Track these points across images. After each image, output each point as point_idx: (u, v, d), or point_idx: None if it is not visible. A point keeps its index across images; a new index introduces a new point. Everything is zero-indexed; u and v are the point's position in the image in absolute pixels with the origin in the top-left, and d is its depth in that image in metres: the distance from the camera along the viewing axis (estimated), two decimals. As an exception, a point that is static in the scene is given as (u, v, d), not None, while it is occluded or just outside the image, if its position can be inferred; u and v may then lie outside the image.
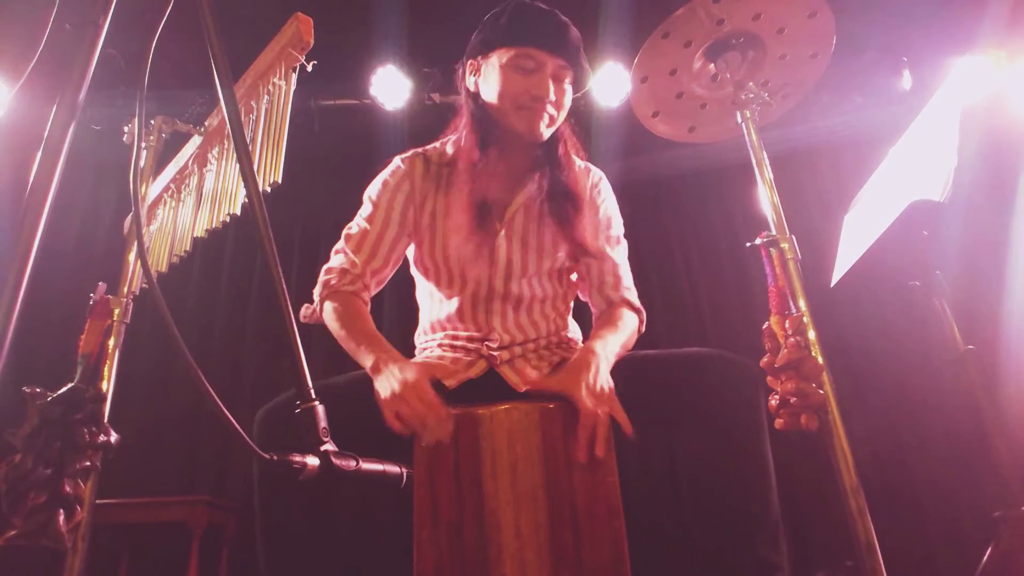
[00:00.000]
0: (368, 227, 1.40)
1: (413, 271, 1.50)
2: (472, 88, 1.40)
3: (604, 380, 1.16)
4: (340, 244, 1.42)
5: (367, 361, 1.21)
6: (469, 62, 1.41)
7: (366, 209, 1.43)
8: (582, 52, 1.37)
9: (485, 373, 1.30)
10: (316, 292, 1.39)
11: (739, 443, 1.16)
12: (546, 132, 1.36)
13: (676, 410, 1.22)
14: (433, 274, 1.42)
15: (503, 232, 1.38)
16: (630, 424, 1.10)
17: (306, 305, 1.39)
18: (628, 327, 1.38)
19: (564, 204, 1.38)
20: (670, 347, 1.33)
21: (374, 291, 1.41)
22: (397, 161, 1.45)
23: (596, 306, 1.47)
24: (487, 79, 1.36)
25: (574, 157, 1.46)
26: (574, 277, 1.50)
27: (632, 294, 1.47)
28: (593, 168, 1.53)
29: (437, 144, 1.48)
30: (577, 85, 1.40)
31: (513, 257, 1.37)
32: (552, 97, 1.32)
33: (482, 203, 1.35)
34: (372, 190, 1.45)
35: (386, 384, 1.12)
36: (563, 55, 1.33)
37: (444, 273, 1.40)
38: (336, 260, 1.40)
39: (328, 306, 1.34)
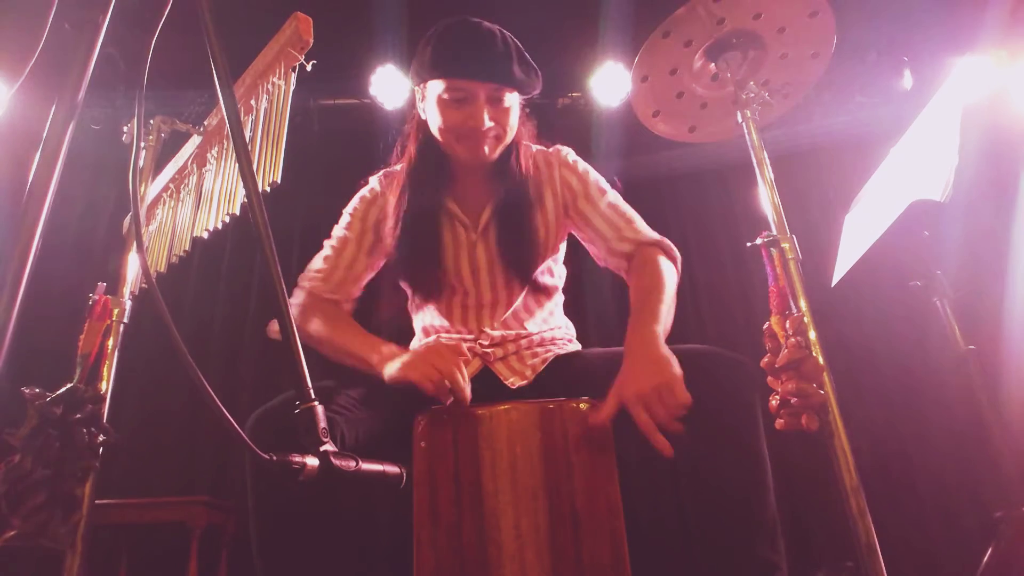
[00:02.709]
0: (347, 234, 1.44)
1: (402, 283, 1.51)
2: (423, 115, 1.40)
3: (668, 369, 1.09)
4: (313, 269, 1.44)
5: (372, 355, 1.20)
6: (415, 88, 1.42)
7: (342, 224, 1.47)
8: (515, 62, 1.30)
9: (480, 372, 1.31)
10: (293, 305, 1.39)
11: (735, 440, 1.15)
12: (496, 152, 1.36)
13: None
14: (418, 288, 1.45)
15: (480, 241, 1.40)
16: (686, 407, 1.06)
17: (272, 321, 1.39)
18: (664, 281, 1.29)
19: (519, 212, 1.39)
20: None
21: (354, 298, 1.44)
22: (372, 181, 1.50)
23: (619, 268, 1.41)
24: (429, 112, 1.37)
25: (532, 148, 1.46)
26: (558, 274, 1.51)
27: (641, 232, 1.40)
28: (558, 148, 1.50)
29: (403, 163, 1.49)
30: (524, 89, 1.35)
31: (494, 264, 1.39)
32: (490, 123, 1.30)
33: (455, 217, 1.39)
34: (350, 206, 1.49)
35: (407, 357, 1.13)
36: (493, 78, 1.29)
37: (432, 283, 1.43)
38: (315, 263, 1.44)
39: (313, 317, 1.34)
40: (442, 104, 1.31)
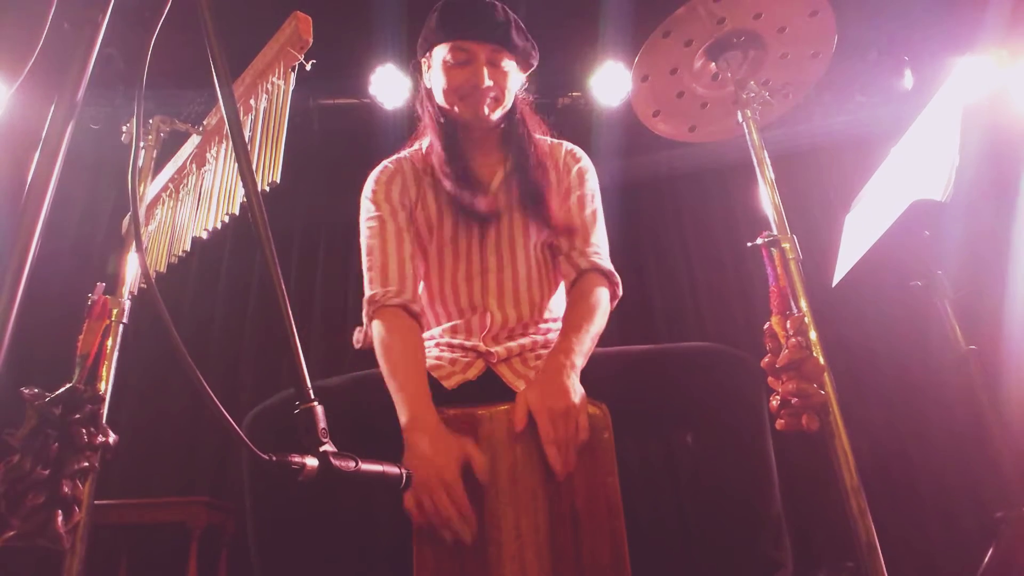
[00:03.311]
0: (382, 244, 1.38)
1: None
2: (428, 85, 1.49)
3: (572, 396, 1.11)
4: (366, 271, 1.39)
5: (402, 416, 1.14)
6: (422, 61, 1.51)
7: (368, 212, 1.43)
8: (514, 29, 1.41)
9: (483, 374, 1.30)
10: (364, 313, 1.36)
11: (740, 438, 1.15)
12: (494, 115, 1.43)
13: (676, 405, 1.21)
14: (427, 256, 1.44)
15: (490, 212, 1.42)
16: (565, 466, 1.07)
17: (358, 329, 1.40)
18: (598, 307, 1.34)
19: (531, 179, 1.42)
20: (671, 344, 1.32)
21: (420, 290, 1.41)
22: (384, 163, 1.52)
23: (565, 276, 1.43)
24: (433, 78, 1.46)
25: (538, 137, 1.50)
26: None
27: (601, 257, 1.42)
28: (566, 144, 1.57)
29: (414, 146, 1.54)
30: (522, 62, 1.46)
31: (501, 231, 1.42)
32: (489, 82, 1.38)
33: (465, 184, 1.40)
34: (368, 191, 1.48)
35: (416, 462, 1.05)
36: (492, 39, 1.39)
37: (437, 253, 1.43)
38: (371, 289, 1.37)
39: (376, 325, 1.30)
40: (446, 67, 1.41)
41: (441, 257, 1.43)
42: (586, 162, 1.54)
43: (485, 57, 1.39)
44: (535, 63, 1.50)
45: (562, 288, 1.50)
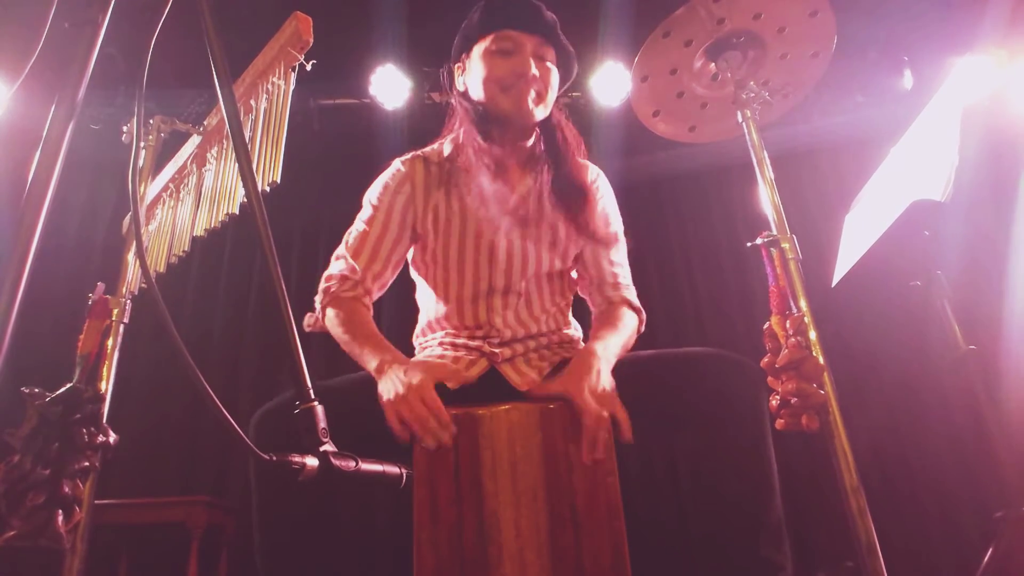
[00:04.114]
0: (368, 230, 1.39)
1: (412, 273, 1.49)
2: (462, 88, 1.44)
3: (606, 382, 1.15)
4: (340, 249, 1.41)
5: (371, 363, 1.20)
6: (456, 66, 1.46)
7: (366, 212, 1.42)
8: (560, 31, 1.39)
9: (486, 372, 1.30)
10: (317, 300, 1.38)
11: (741, 442, 1.15)
12: (537, 111, 1.37)
13: (677, 410, 1.21)
14: (432, 273, 1.41)
15: (504, 226, 1.37)
16: (630, 427, 1.10)
17: (309, 314, 1.39)
18: (628, 327, 1.38)
19: (570, 193, 1.39)
20: (670, 347, 1.33)
21: (376, 295, 1.40)
22: (397, 164, 1.44)
23: (596, 305, 1.47)
24: (472, 73, 1.40)
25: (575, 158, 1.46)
26: (574, 274, 1.50)
27: (631, 293, 1.47)
28: (590, 164, 1.53)
29: (435, 145, 1.47)
30: (564, 70, 1.42)
31: (513, 252, 1.36)
32: (535, 72, 1.35)
33: (485, 198, 1.36)
34: (372, 193, 1.44)
35: (390, 386, 1.12)
36: (539, 31, 1.36)
37: (443, 271, 1.39)
38: (336, 266, 1.39)
39: (330, 313, 1.33)
40: (489, 57, 1.36)
41: (447, 274, 1.39)
42: (607, 188, 1.53)
43: (531, 48, 1.35)
44: (574, 75, 1.47)
45: (569, 300, 1.50)
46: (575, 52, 1.44)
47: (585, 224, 1.39)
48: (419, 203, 1.39)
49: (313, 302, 1.39)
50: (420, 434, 1.07)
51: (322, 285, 1.38)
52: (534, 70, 1.34)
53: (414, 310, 1.52)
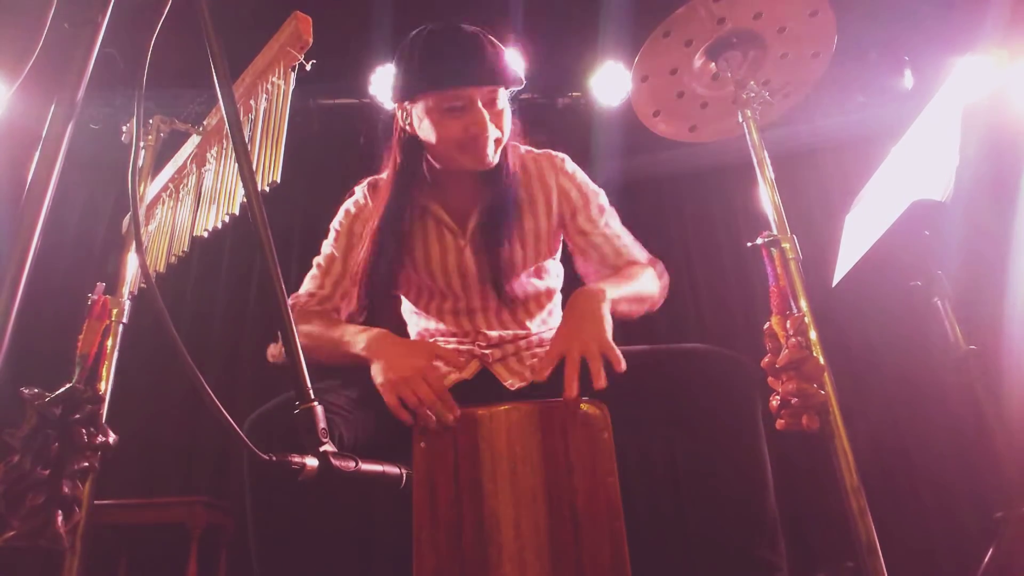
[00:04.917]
0: (334, 251, 1.43)
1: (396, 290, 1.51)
2: (408, 130, 1.36)
3: (600, 323, 1.14)
4: (303, 285, 1.45)
5: (359, 343, 1.19)
6: (397, 108, 1.38)
7: (331, 237, 1.47)
8: (502, 57, 1.29)
9: (478, 373, 1.30)
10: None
11: (734, 440, 1.15)
12: (495, 157, 1.33)
13: (671, 406, 1.21)
14: (411, 293, 1.46)
15: (468, 247, 1.39)
16: (620, 359, 1.09)
17: (272, 344, 1.39)
18: (636, 274, 1.37)
19: (509, 217, 1.38)
20: (668, 345, 1.32)
21: (345, 312, 1.42)
22: (357, 192, 1.49)
23: (603, 278, 1.44)
24: (421, 125, 1.32)
25: (523, 151, 1.46)
26: (555, 273, 1.51)
27: (639, 252, 1.46)
28: (554, 153, 1.50)
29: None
30: (515, 85, 1.34)
31: (483, 268, 1.38)
32: (492, 128, 1.29)
33: (441, 222, 1.39)
34: (336, 221, 1.49)
35: (389, 365, 1.10)
36: (488, 80, 1.27)
37: (424, 290, 1.43)
38: (304, 286, 1.43)
39: (300, 329, 1.29)
40: (438, 116, 1.28)
41: (429, 288, 1.43)
42: (574, 170, 1.48)
43: (482, 99, 1.27)
44: (523, 81, 1.39)
45: (557, 297, 1.51)
46: (519, 57, 1.43)
47: (561, 207, 1.40)
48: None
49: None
50: (423, 415, 1.05)
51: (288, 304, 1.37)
52: (491, 129, 1.28)
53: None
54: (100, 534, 2.35)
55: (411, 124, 1.35)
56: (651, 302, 1.39)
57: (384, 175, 1.45)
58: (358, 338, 1.21)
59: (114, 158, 3.43)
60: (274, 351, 1.39)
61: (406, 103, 1.34)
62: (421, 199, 1.39)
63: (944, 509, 2.90)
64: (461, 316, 1.41)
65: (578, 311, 1.17)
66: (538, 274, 1.45)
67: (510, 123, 1.35)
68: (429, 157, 1.38)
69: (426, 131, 1.32)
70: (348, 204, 1.49)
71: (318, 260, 1.47)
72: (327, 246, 1.47)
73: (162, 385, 3.19)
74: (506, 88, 1.32)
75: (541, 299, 1.45)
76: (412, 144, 1.36)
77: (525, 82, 1.37)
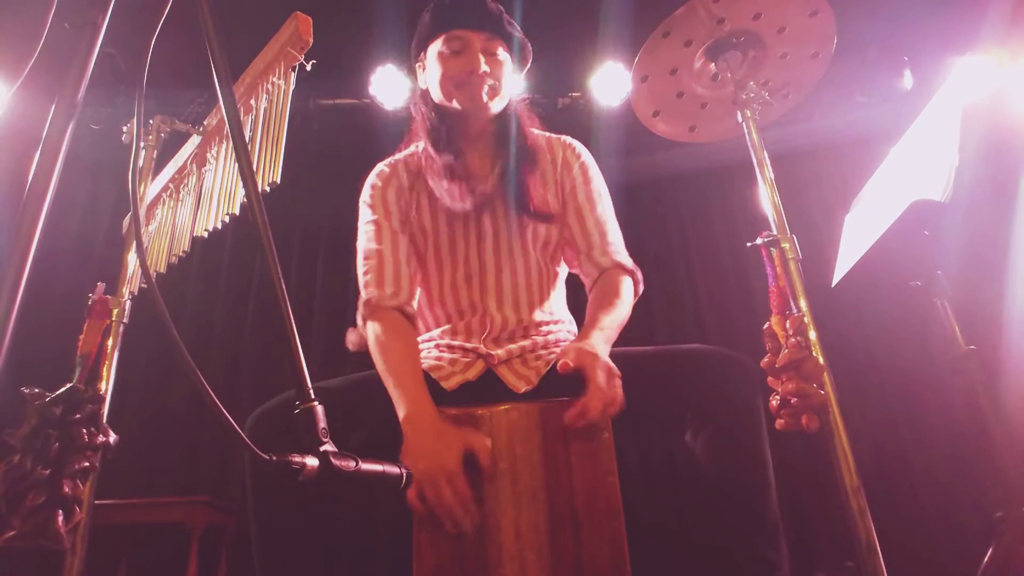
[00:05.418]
0: (379, 247, 1.38)
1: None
2: (423, 87, 1.50)
3: (610, 381, 1.12)
4: (362, 275, 1.39)
5: (399, 405, 1.15)
6: (417, 64, 1.53)
7: (366, 216, 1.44)
8: (506, 21, 1.44)
9: (483, 375, 1.29)
10: (359, 315, 1.35)
11: (736, 440, 1.15)
12: (493, 104, 1.42)
13: (673, 407, 1.21)
14: (425, 259, 1.44)
15: (486, 212, 1.41)
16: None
17: (351, 330, 1.39)
18: (622, 299, 1.37)
19: (523, 179, 1.42)
20: (668, 346, 1.32)
21: (416, 295, 1.41)
22: (380, 166, 1.51)
23: (588, 276, 1.44)
24: (429, 73, 1.47)
25: (534, 132, 1.50)
26: (559, 259, 1.50)
27: (621, 255, 1.45)
28: (566, 138, 1.55)
29: (411, 148, 1.52)
30: (517, 56, 1.48)
31: (499, 232, 1.41)
32: (485, 68, 1.40)
33: (457, 181, 1.40)
34: (365, 194, 1.47)
35: (419, 455, 1.04)
36: (485, 27, 1.42)
37: (434, 256, 1.42)
38: (367, 293, 1.36)
39: (372, 328, 1.30)
40: (442, 58, 1.43)
41: (439, 259, 1.42)
42: (587, 156, 1.52)
43: (480, 45, 1.41)
44: (529, 59, 1.52)
45: (562, 288, 1.50)
46: (526, 38, 1.49)
47: (540, 211, 1.41)
48: (408, 196, 1.45)
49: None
50: (441, 518, 1.02)
51: (362, 298, 1.35)
52: (484, 66, 1.40)
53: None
54: (100, 534, 2.35)
55: (426, 80, 1.48)
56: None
57: (401, 155, 1.51)
58: (400, 399, 1.16)
59: (115, 158, 3.43)
60: (352, 338, 1.38)
61: (420, 57, 1.50)
62: (437, 172, 1.42)
63: (944, 509, 2.90)
64: (472, 281, 1.39)
65: (592, 373, 1.13)
66: (548, 257, 1.45)
67: (510, 80, 1.45)
68: (438, 106, 1.46)
69: (432, 76, 1.45)
70: (372, 179, 1.49)
71: (365, 261, 1.39)
72: (368, 239, 1.41)
73: (163, 385, 3.19)
74: (506, 44, 1.44)
75: (544, 282, 1.43)
76: (432, 110, 1.47)
77: (529, 58, 1.52)
